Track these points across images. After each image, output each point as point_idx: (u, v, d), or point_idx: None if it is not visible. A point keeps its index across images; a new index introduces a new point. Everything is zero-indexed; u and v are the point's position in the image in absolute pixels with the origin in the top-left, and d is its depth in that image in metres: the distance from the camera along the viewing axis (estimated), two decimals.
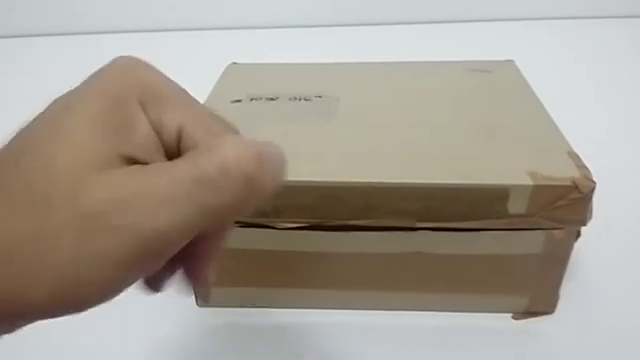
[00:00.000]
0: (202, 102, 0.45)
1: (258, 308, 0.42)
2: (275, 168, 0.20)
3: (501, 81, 0.48)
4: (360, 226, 0.36)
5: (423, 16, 0.97)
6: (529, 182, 0.34)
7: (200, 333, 0.41)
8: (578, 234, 0.37)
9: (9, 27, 1.00)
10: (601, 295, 0.42)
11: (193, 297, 0.42)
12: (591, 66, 0.80)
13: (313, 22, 0.97)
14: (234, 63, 0.54)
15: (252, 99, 0.46)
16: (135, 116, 0.19)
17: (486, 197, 0.35)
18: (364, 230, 0.37)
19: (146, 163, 0.19)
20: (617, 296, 0.42)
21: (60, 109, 0.19)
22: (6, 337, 0.18)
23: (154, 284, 0.23)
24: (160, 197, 0.18)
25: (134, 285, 0.19)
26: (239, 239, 0.38)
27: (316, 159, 0.37)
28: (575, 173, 0.35)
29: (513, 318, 0.40)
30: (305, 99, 0.45)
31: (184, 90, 0.21)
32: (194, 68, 0.59)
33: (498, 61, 0.52)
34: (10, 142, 0.19)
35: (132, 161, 0.19)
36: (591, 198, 0.35)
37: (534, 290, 0.39)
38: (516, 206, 0.35)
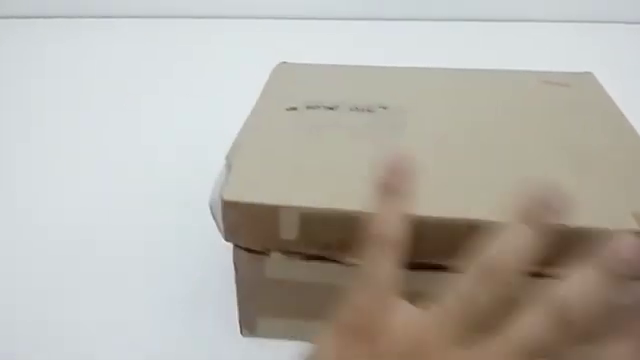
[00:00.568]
0: (252, 106, 0.42)
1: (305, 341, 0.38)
2: None
3: (582, 97, 0.43)
4: (440, 265, 0.32)
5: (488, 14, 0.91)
6: (635, 227, 0.30)
7: None
8: None
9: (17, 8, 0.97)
10: None
11: (238, 326, 0.39)
12: None
13: (344, 15, 0.93)
14: (283, 62, 0.50)
15: (309, 107, 0.41)
16: None
17: (580, 241, 0.30)
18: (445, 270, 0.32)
19: None
20: None
21: None
22: None
23: None
24: None
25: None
26: (298, 271, 0.34)
27: None
28: None
29: None
30: (368, 110, 0.41)
31: None
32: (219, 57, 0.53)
33: (575, 73, 0.47)
34: None
35: None
36: None
37: None
38: None
